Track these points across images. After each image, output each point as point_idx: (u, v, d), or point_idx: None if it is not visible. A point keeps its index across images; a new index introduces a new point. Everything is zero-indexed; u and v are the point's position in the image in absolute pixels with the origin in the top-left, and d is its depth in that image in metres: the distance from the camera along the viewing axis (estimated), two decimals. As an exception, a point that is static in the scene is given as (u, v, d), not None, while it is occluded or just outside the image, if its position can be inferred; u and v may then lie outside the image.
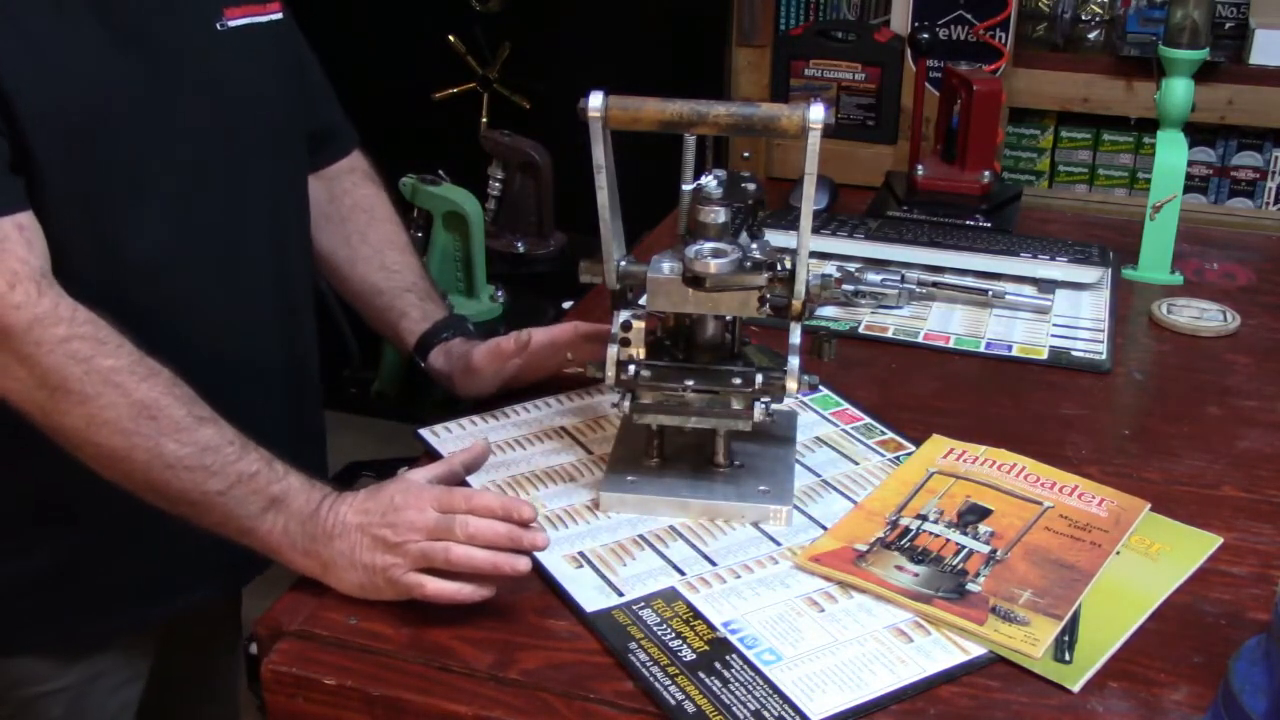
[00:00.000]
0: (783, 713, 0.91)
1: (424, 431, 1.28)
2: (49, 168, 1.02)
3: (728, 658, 0.96)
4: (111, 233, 1.07)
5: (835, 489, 1.20)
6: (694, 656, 0.97)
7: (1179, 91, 1.66)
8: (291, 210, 1.27)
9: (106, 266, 1.07)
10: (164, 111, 1.09)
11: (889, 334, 1.53)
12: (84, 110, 1.04)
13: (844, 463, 1.24)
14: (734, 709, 0.91)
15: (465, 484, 1.11)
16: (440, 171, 2.23)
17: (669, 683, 0.94)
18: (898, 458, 1.25)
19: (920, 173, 1.92)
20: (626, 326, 1.15)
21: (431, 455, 1.24)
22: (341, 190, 1.38)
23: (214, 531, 1.04)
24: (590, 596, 1.04)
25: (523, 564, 0.98)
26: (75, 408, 0.99)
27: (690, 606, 1.02)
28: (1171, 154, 1.68)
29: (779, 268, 1.12)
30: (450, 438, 1.27)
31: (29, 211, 1.01)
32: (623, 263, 1.15)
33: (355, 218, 1.38)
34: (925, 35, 1.93)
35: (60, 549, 1.15)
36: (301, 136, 1.29)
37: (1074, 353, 1.49)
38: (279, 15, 1.21)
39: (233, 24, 1.15)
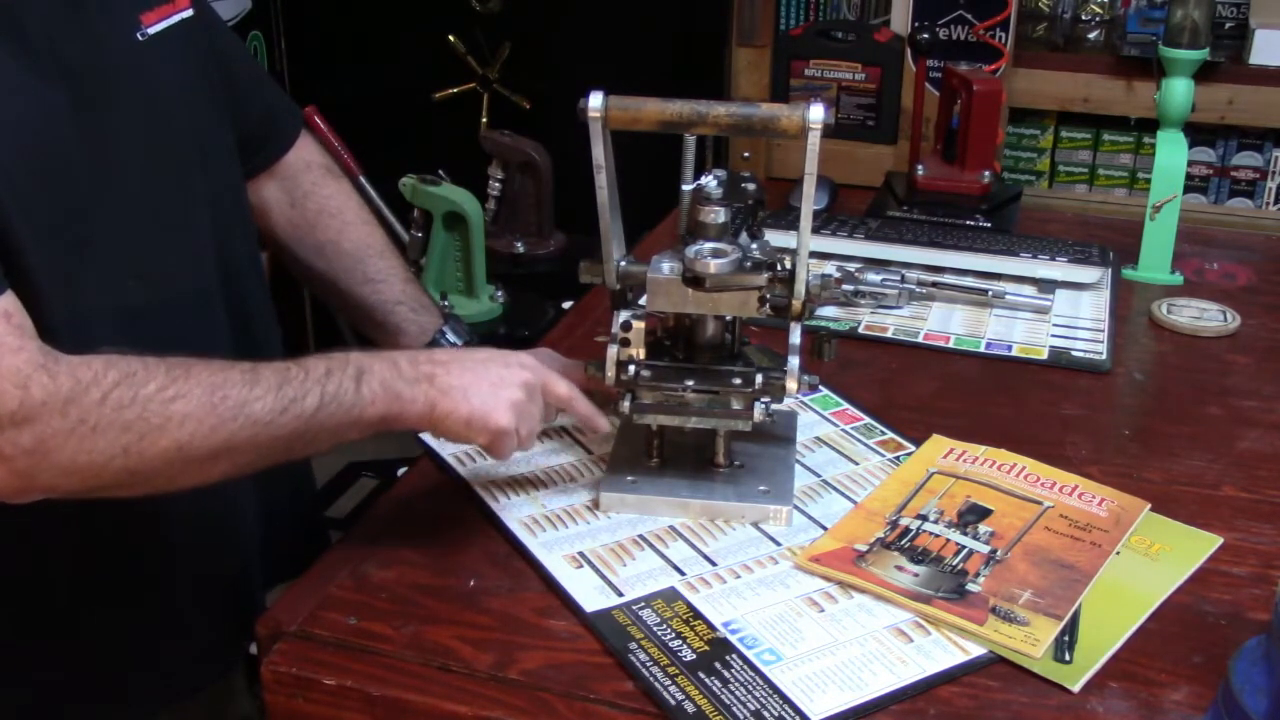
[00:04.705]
0: (783, 713, 0.91)
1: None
2: (3, 227, 0.94)
3: (728, 658, 0.96)
4: (66, 275, 1.00)
5: (835, 489, 1.20)
6: (694, 656, 0.97)
7: (1179, 91, 1.66)
8: (233, 217, 1.22)
9: (64, 311, 1.00)
10: (98, 142, 1.02)
11: (889, 334, 1.53)
12: (23, 155, 0.95)
13: (844, 463, 1.24)
14: (734, 709, 0.91)
15: None
16: (440, 171, 2.23)
17: (669, 683, 0.94)
18: (898, 458, 1.25)
19: (920, 173, 1.91)
20: (626, 326, 1.15)
21: (431, 456, 1.24)
22: (302, 193, 1.33)
23: (333, 444, 1.04)
24: (590, 596, 1.04)
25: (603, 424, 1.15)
26: (157, 443, 0.94)
27: (690, 606, 1.02)
28: (1171, 154, 1.68)
29: (779, 268, 1.12)
30: (450, 438, 1.27)
31: (8, 291, 0.91)
32: (623, 263, 1.15)
33: (324, 224, 1.33)
34: (925, 35, 1.92)
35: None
36: (232, 136, 1.22)
37: (1074, 353, 1.49)
38: (190, 12, 1.13)
39: (152, 30, 1.08)
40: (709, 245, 1.11)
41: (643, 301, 1.15)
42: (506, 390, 1.07)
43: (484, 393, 1.06)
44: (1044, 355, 1.48)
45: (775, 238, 1.24)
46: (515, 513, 1.15)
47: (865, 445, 1.27)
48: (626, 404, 1.14)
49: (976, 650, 0.98)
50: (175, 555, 1.15)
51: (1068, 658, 0.98)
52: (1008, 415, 1.35)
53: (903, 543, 1.10)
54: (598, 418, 1.15)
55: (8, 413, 0.89)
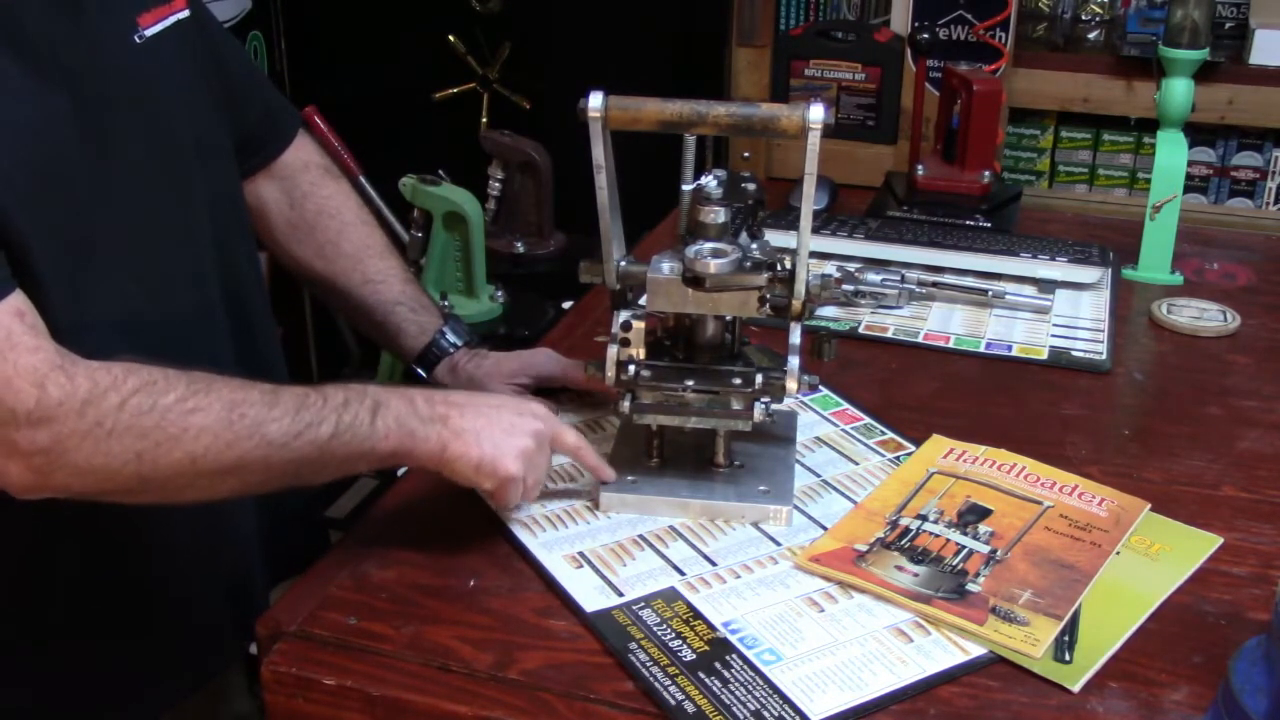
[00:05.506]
0: (783, 713, 0.91)
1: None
2: (7, 231, 0.93)
3: (728, 658, 0.96)
4: (69, 277, 1.00)
5: (835, 489, 1.20)
6: (694, 656, 0.97)
7: (1179, 91, 1.66)
8: (231, 218, 1.21)
9: (67, 314, 0.99)
10: (98, 144, 1.02)
11: (889, 334, 1.53)
12: (26, 158, 0.94)
13: (844, 463, 1.24)
14: (734, 709, 0.91)
15: None
16: (440, 171, 2.23)
17: (669, 683, 0.94)
18: (898, 458, 1.25)
19: (920, 173, 1.91)
20: (626, 326, 1.15)
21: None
22: (301, 194, 1.33)
23: (340, 474, 1.04)
24: (590, 596, 1.04)
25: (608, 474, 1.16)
26: (171, 452, 0.94)
27: (690, 606, 1.02)
28: (1171, 154, 1.68)
29: (779, 268, 1.12)
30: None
31: (18, 290, 0.92)
32: (623, 263, 1.15)
33: (323, 225, 1.33)
34: (925, 35, 1.92)
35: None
36: (230, 137, 1.22)
37: (1074, 353, 1.49)
38: (186, 13, 1.13)
39: (150, 32, 1.07)
40: (709, 245, 1.11)
41: (643, 301, 1.15)
42: (518, 438, 1.07)
43: (496, 439, 1.06)
44: (1044, 355, 1.48)
45: (775, 238, 1.24)
46: (515, 513, 1.15)
47: (865, 445, 1.27)
48: (626, 404, 1.14)
49: (976, 650, 0.98)
50: (175, 554, 1.15)
51: (1068, 658, 0.98)
52: (1008, 415, 1.35)
53: (903, 543, 1.10)
54: (605, 468, 1.16)
55: (24, 411, 0.89)
